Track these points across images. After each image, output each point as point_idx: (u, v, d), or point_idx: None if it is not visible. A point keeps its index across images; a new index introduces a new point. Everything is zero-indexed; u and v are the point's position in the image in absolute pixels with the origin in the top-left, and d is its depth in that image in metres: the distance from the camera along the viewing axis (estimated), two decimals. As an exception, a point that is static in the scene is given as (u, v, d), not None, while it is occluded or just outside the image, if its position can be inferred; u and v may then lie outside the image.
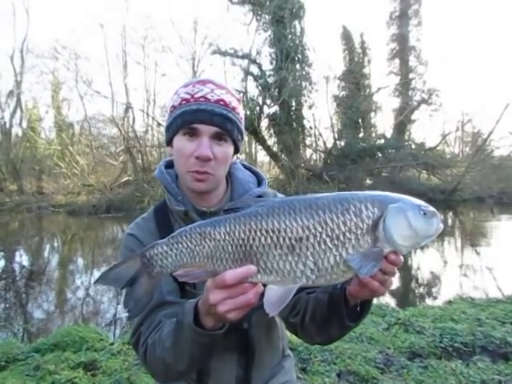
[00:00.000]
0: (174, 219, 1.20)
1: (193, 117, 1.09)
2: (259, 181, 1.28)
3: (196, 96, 1.10)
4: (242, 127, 1.19)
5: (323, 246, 0.78)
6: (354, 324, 0.98)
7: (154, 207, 1.28)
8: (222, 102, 1.11)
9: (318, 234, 0.78)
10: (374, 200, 0.80)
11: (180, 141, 1.12)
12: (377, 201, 0.80)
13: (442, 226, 0.83)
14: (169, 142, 1.19)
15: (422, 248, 10.64)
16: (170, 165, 1.28)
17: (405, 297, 6.95)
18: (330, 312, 0.98)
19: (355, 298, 0.93)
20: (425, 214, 0.80)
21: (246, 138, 29.46)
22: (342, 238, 0.78)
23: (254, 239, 0.80)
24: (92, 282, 8.60)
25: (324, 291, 1.03)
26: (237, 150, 1.21)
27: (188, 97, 1.11)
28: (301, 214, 0.79)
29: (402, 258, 0.81)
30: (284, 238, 0.79)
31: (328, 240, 0.78)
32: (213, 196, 1.20)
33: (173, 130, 1.13)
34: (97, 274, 8.97)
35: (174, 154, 1.16)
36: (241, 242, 0.80)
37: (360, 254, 0.77)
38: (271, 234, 0.79)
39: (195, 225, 0.86)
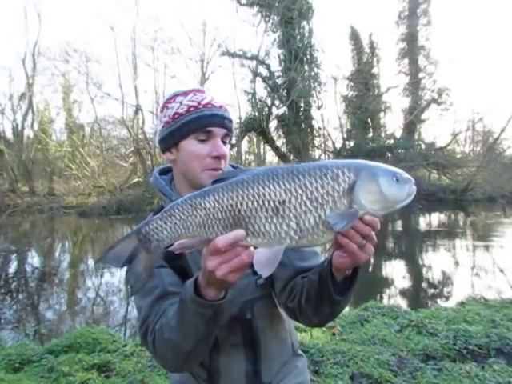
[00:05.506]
0: None
1: (208, 121, 1.18)
2: None
3: (203, 103, 1.20)
4: None
5: (304, 208, 0.84)
6: (341, 298, 1.02)
7: (152, 213, 1.34)
8: (223, 108, 1.23)
9: (299, 197, 0.85)
10: (350, 166, 0.86)
11: (191, 144, 1.20)
12: (353, 167, 0.86)
13: (414, 188, 0.87)
14: (169, 148, 1.24)
15: (432, 247, 10.57)
16: (163, 172, 1.35)
17: (417, 298, 6.90)
18: (321, 290, 1.03)
19: (340, 271, 0.97)
20: (397, 180, 0.84)
21: (254, 139, 29.58)
22: (320, 200, 0.84)
23: (241, 204, 0.85)
24: (103, 282, 8.70)
25: (314, 272, 1.08)
26: None
27: (195, 104, 1.20)
28: (283, 179, 0.85)
29: (377, 220, 0.85)
30: (269, 201, 0.85)
31: (308, 202, 0.84)
32: None
33: (181, 134, 1.20)
34: (107, 274, 9.05)
35: (184, 156, 1.21)
36: (229, 207, 0.86)
37: (337, 214, 0.84)
38: (257, 198, 0.85)
39: (186, 197, 0.90)
